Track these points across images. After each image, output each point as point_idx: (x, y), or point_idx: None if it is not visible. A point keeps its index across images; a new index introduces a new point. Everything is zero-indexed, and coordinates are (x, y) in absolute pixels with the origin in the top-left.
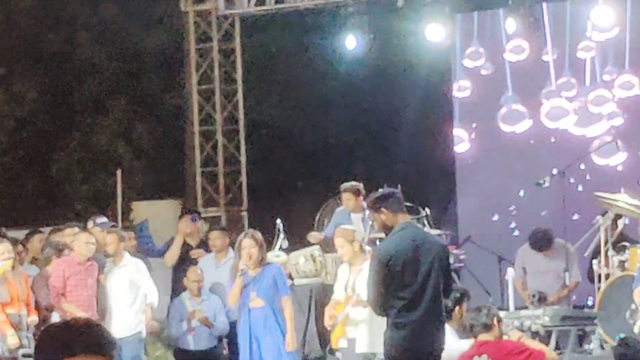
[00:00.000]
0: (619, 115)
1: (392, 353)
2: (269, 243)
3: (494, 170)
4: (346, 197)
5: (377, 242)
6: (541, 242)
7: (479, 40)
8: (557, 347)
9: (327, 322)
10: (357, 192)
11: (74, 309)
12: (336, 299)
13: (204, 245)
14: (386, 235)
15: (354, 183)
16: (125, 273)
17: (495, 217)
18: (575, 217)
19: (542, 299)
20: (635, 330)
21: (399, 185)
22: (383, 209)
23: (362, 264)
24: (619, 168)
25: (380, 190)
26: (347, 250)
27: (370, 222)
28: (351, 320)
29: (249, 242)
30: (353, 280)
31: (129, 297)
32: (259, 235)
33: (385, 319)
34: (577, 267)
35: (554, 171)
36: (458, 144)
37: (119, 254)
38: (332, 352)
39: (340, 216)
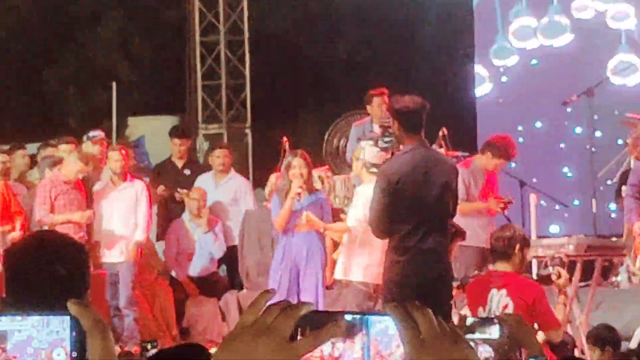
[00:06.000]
0: None
1: (394, 278)
2: (274, 163)
3: (516, 88)
4: (379, 102)
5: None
6: None
7: None
8: (582, 279)
9: None
10: (388, 95)
11: (67, 214)
12: None
13: (192, 165)
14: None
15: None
16: (129, 195)
17: (520, 140)
18: (599, 134)
19: None
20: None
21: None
22: (397, 122)
23: None
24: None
25: (407, 98)
26: None
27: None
28: None
29: (299, 162)
30: None
31: (131, 221)
32: (307, 155)
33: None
34: None
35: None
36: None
37: (122, 173)
38: None
39: (360, 131)
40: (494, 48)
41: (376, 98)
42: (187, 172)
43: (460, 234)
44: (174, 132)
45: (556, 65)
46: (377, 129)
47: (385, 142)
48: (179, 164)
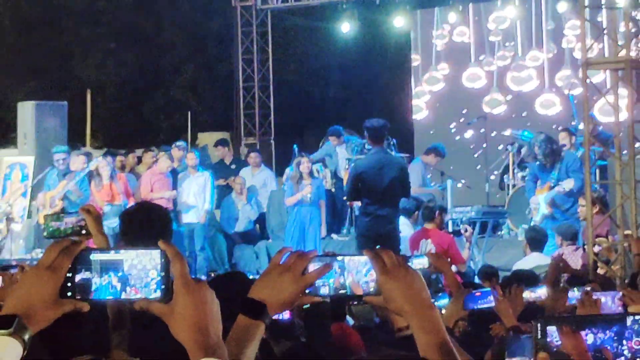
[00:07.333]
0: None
1: (361, 231)
2: (288, 161)
3: (440, 111)
4: (331, 138)
5: None
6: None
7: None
8: (479, 233)
9: None
10: (338, 135)
11: (160, 193)
12: None
13: (236, 162)
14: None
15: (336, 128)
16: (201, 181)
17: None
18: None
19: None
20: (537, 218)
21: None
22: (366, 134)
23: None
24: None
25: (375, 120)
26: None
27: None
28: None
29: (304, 159)
30: None
31: (201, 197)
32: (309, 157)
33: None
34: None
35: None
36: (415, 97)
37: (196, 166)
38: None
39: (328, 148)
40: (415, 90)
41: (330, 137)
42: (233, 166)
43: (421, 204)
44: (215, 143)
45: (464, 97)
46: (338, 150)
47: (366, 147)
48: (228, 161)
